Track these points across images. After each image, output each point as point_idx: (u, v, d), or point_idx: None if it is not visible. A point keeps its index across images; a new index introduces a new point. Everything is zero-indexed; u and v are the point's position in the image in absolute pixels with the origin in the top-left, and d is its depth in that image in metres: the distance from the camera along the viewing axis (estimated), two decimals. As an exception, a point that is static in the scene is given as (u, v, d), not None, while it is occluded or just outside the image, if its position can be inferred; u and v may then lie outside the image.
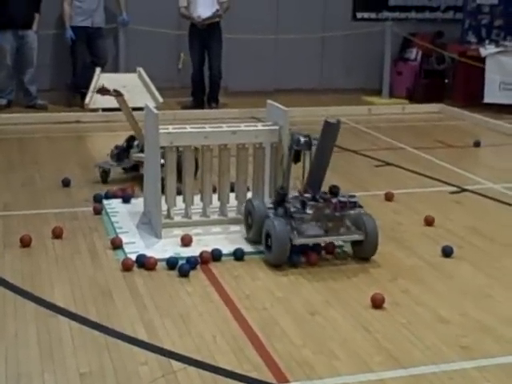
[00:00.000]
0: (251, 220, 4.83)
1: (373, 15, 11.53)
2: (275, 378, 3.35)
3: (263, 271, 4.52)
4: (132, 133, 6.33)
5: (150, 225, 5.12)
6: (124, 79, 9.06)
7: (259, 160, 5.17)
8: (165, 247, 4.77)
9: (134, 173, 6.23)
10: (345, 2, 11.30)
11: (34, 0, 9.39)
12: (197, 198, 5.19)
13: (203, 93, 9.93)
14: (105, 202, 5.63)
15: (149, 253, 4.62)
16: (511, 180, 6.64)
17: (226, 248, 4.74)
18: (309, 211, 4.60)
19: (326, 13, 11.07)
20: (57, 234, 4.95)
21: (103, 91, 6.35)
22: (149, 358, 3.48)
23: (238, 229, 5.00)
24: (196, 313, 3.96)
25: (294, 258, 4.59)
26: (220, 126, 5.23)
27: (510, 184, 6.48)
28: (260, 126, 5.28)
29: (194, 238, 4.86)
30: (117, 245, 4.79)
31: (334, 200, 4.60)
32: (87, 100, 9.02)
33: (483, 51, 10.07)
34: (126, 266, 4.47)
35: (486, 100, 9.87)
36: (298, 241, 4.55)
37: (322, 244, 4.77)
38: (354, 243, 4.74)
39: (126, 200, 5.64)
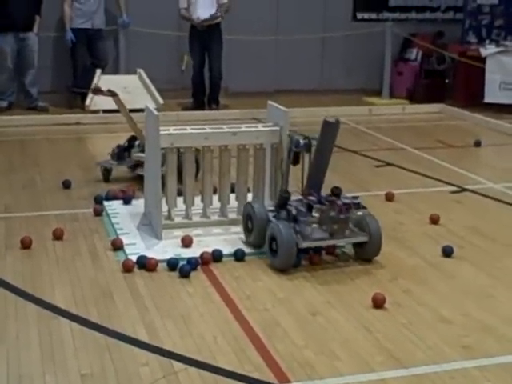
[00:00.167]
0: (251, 224, 4.78)
1: (373, 16, 11.54)
2: (276, 379, 3.35)
3: (264, 272, 4.51)
4: (134, 133, 6.35)
5: (151, 226, 5.12)
6: (124, 81, 9.08)
7: (260, 161, 5.17)
8: (165, 248, 4.77)
9: (140, 169, 6.16)
10: (345, 3, 11.31)
11: (34, 2, 9.40)
12: (197, 199, 5.19)
13: (204, 94, 9.93)
14: (105, 203, 5.63)
15: (149, 254, 4.62)
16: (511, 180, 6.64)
17: (227, 249, 4.74)
18: (314, 214, 4.55)
19: (327, 13, 11.08)
20: (57, 236, 4.95)
21: (97, 91, 6.37)
22: (150, 358, 3.48)
23: (239, 230, 4.99)
24: (197, 313, 3.96)
25: (295, 259, 4.57)
26: (220, 127, 5.23)
27: (511, 184, 6.47)
28: (260, 127, 5.28)
29: (195, 239, 4.86)
30: (117, 246, 4.79)
31: (339, 202, 4.54)
32: (88, 102, 9.03)
33: (483, 51, 10.07)
34: (127, 268, 4.47)
35: (487, 100, 9.87)
36: (304, 244, 4.50)
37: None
38: (357, 244, 4.71)
39: (127, 201, 5.64)
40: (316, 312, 4.01)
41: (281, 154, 5.09)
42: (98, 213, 5.46)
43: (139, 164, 6.09)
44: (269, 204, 5.02)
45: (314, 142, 4.67)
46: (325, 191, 4.72)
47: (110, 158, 6.40)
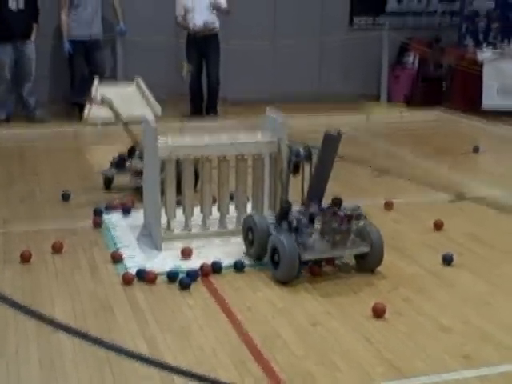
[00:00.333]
0: (252, 236, 4.76)
1: (370, 21, 11.56)
2: (277, 391, 3.35)
3: (264, 283, 4.51)
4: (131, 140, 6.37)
5: (150, 237, 5.12)
6: (122, 89, 9.06)
7: (258, 171, 5.17)
8: (165, 260, 4.77)
9: (139, 180, 6.12)
10: (342, 8, 11.34)
11: (32, 11, 9.40)
12: (197, 210, 5.19)
13: (202, 100, 9.95)
14: (104, 215, 5.63)
15: (149, 266, 4.62)
16: (510, 186, 6.64)
17: (227, 260, 4.74)
18: (316, 225, 4.52)
19: (324, 18, 11.12)
20: (57, 249, 4.95)
21: (91, 100, 6.42)
22: (151, 372, 3.47)
23: (239, 240, 4.98)
24: (197, 326, 3.96)
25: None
26: (219, 137, 5.22)
27: (509, 191, 6.47)
28: (259, 137, 5.27)
29: (194, 251, 4.86)
30: (117, 259, 4.79)
31: (341, 213, 4.51)
32: (86, 113, 9.01)
33: (481, 55, 10.09)
34: (127, 280, 4.46)
35: (485, 106, 9.87)
36: (307, 256, 4.48)
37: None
38: (359, 255, 4.67)
39: (126, 213, 5.64)
40: (316, 323, 4.01)
41: (280, 163, 5.09)
42: (98, 225, 5.46)
43: (139, 173, 6.10)
44: (269, 214, 5.00)
45: (315, 151, 4.63)
46: (324, 200, 4.71)
47: (110, 166, 6.46)
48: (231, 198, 5.23)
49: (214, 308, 4.18)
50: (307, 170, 4.72)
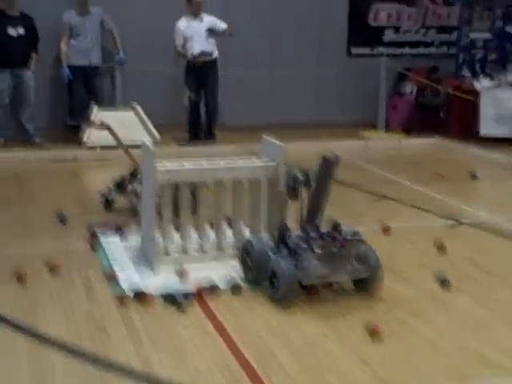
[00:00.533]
0: (250, 261, 4.72)
1: (367, 51, 11.65)
2: (272, 411, 3.32)
3: (259, 304, 4.48)
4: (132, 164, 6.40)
5: (146, 259, 5.10)
6: (121, 116, 9.11)
7: (256, 195, 5.17)
8: (161, 281, 4.75)
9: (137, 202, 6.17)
10: (340, 38, 11.43)
11: (31, 39, 9.46)
12: (194, 233, 5.17)
13: (200, 129, 9.96)
14: (100, 236, 5.62)
15: (145, 287, 4.60)
16: (508, 213, 6.64)
17: (223, 282, 4.71)
18: (316, 250, 4.49)
19: (321, 48, 11.21)
20: (52, 269, 4.93)
21: (90, 123, 6.45)
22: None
23: (235, 263, 4.96)
24: (192, 346, 3.93)
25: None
26: (217, 162, 5.22)
27: (507, 217, 6.47)
28: (256, 162, 5.27)
29: (191, 272, 4.83)
30: (112, 279, 4.77)
31: (340, 238, 4.50)
32: (85, 139, 9.07)
33: (478, 85, 10.16)
34: (122, 301, 4.44)
35: (482, 132, 9.94)
36: (307, 281, 4.46)
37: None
38: (357, 279, 4.64)
39: (122, 234, 5.63)
40: (312, 343, 3.98)
41: (277, 188, 5.08)
42: (93, 246, 5.44)
43: (138, 195, 6.10)
44: (266, 238, 4.96)
45: (313, 175, 4.63)
46: (323, 225, 4.70)
47: (111, 188, 6.48)
48: (229, 223, 5.22)
49: (209, 329, 4.15)
50: (305, 194, 4.70)
